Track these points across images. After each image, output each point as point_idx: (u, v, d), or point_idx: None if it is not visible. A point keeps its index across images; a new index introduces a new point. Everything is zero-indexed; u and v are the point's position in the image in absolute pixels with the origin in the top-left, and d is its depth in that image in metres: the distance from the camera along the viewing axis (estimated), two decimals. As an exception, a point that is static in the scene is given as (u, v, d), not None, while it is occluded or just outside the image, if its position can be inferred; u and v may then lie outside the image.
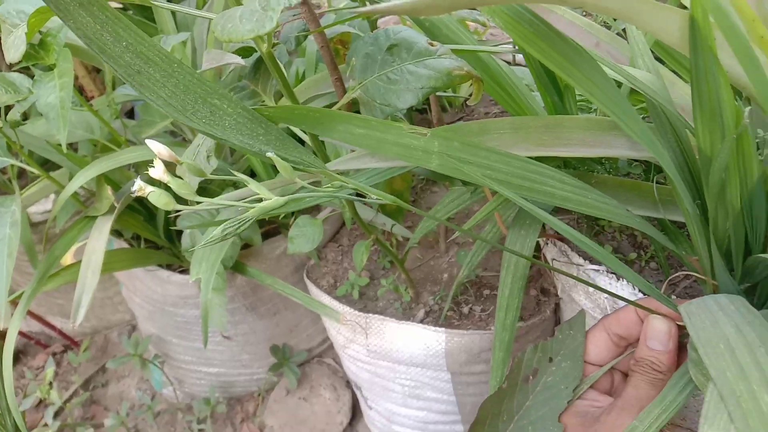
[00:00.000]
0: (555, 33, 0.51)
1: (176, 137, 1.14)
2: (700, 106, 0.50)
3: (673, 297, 0.72)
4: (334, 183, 0.43)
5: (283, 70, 0.64)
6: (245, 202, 0.40)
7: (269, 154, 0.41)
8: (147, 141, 0.40)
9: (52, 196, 1.21)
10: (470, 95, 0.74)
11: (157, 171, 0.39)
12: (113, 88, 1.07)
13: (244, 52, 0.74)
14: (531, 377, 0.58)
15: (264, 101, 0.72)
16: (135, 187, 0.39)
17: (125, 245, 1.11)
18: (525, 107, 0.74)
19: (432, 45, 0.59)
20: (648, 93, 0.56)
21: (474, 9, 0.80)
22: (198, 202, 0.40)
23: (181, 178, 0.40)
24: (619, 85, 0.65)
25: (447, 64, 0.57)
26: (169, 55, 0.45)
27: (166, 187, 0.40)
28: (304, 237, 0.76)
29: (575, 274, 0.80)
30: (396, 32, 0.60)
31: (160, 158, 0.39)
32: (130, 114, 1.45)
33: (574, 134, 0.64)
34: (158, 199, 0.39)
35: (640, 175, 0.81)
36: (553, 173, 0.56)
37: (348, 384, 1.26)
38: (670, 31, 0.46)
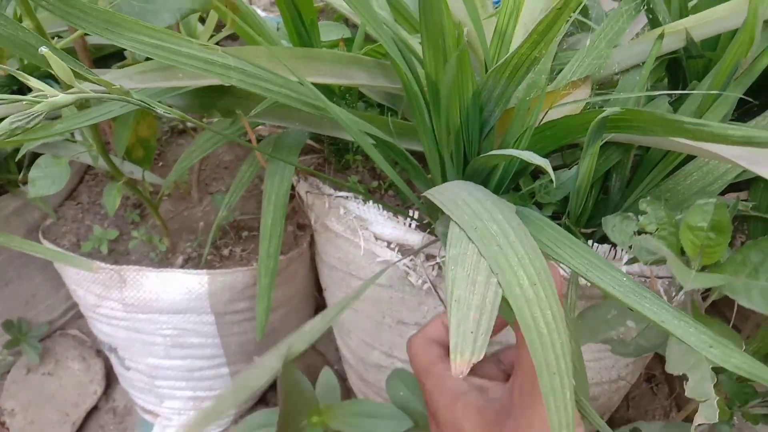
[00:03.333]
0: None
1: None
2: (427, 33, 0.59)
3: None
4: (118, 90, 0.42)
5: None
6: (32, 96, 0.38)
7: (42, 50, 0.39)
8: None
9: None
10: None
11: None
12: None
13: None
14: None
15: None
16: None
17: None
18: (266, 38, 0.78)
19: (185, -31, 0.60)
20: (389, 24, 0.64)
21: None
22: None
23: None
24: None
25: (204, -12, 0.59)
26: None
27: None
28: (47, 178, 0.70)
29: (327, 204, 0.88)
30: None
31: None
32: None
33: (323, 65, 0.70)
34: None
35: (378, 113, 0.91)
36: (326, 99, 0.61)
37: (99, 353, 1.18)
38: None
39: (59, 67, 0.42)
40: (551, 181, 0.75)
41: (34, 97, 0.41)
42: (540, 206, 0.76)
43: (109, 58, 1.14)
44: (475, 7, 0.62)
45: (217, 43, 0.75)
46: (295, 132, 0.83)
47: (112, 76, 0.57)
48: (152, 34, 0.51)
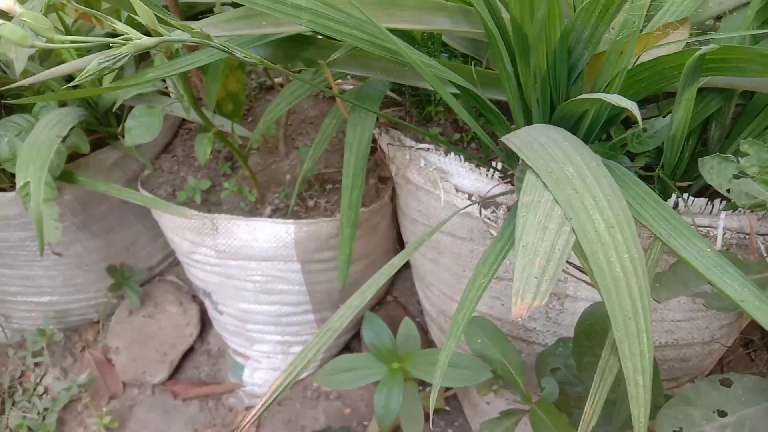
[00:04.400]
0: None
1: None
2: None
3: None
4: (199, 35, 0.44)
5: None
6: (118, 39, 0.39)
7: (128, -6, 0.41)
8: None
9: None
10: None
11: (5, 1, 0.37)
12: None
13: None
14: None
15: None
16: (-22, 21, 0.37)
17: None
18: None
19: None
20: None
21: None
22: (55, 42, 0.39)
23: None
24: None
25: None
26: None
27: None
28: (142, 127, 0.74)
29: (408, 156, 0.87)
30: None
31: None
32: None
33: (405, 12, 0.69)
34: (11, 33, 0.37)
35: (461, 62, 0.89)
36: (401, 42, 0.60)
37: (194, 298, 1.26)
38: None
39: (143, 11, 0.44)
40: (644, 129, 0.71)
41: (120, 39, 0.43)
42: (632, 157, 0.73)
43: (200, 15, 1.18)
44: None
45: None
46: (376, 83, 0.83)
47: (199, 24, 0.59)
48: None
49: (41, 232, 0.83)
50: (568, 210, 0.42)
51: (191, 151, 1.12)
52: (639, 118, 0.41)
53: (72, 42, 0.41)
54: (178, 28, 0.49)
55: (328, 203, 1.00)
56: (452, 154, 0.82)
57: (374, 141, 0.94)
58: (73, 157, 1.00)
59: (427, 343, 1.17)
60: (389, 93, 0.95)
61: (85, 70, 0.40)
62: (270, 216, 0.98)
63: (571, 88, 0.67)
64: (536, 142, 0.51)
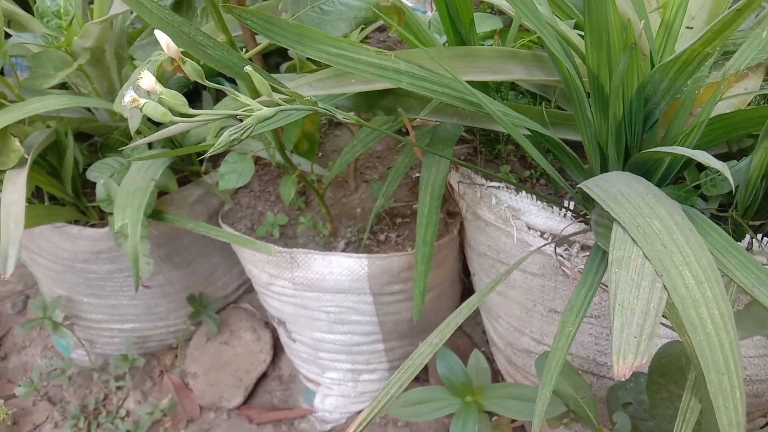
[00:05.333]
0: None
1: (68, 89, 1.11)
2: (591, 30, 0.60)
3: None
4: (308, 102, 0.48)
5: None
6: (242, 111, 0.44)
7: (247, 69, 0.45)
8: (156, 32, 0.42)
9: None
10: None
11: (148, 81, 0.41)
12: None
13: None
14: None
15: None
16: (127, 99, 0.42)
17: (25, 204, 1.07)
18: (428, 44, 0.82)
19: (357, -18, 0.65)
20: (550, 22, 0.65)
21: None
22: (188, 116, 0.44)
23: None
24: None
25: (374, -3, 0.63)
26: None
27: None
28: (235, 173, 0.79)
29: (479, 193, 0.90)
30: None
31: (168, 52, 0.42)
32: None
33: (482, 62, 0.73)
34: (154, 110, 0.42)
35: (530, 102, 0.92)
36: (482, 95, 0.64)
37: (267, 324, 1.31)
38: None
39: (260, 83, 0.49)
40: (718, 173, 0.72)
41: (243, 111, 0.48)
42: (705, 198, 0.74)
43: (270, 55, 1.24)
44: (641, 1, 0.61)
45: (365, 38, 0.78)
46: (450, 125, 0.86)
47: (295, 84, 0.64)
48: (335, 44, 0.57)
49: (137, 269, 0.89)
50: (659, 266, 0.44)
51: (267, 186, 1.18)
52: (731, 179, 0.43)
53: (204, 116, 0.46)
54: (284, 93, 0.54)
55: (399, 237, 1.04)
56: (524, 192, 0.85)
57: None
58: (160, 193, 1.07)
59: (493, 372, 1.18)
60: (460, 132, 0.98)
61: (218, 142, 0.45)
62: (343, 250, 1.02)
63: (646, 133, 0.69)
64: (619, 193, 0.53)
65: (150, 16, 0.47)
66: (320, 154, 1.24)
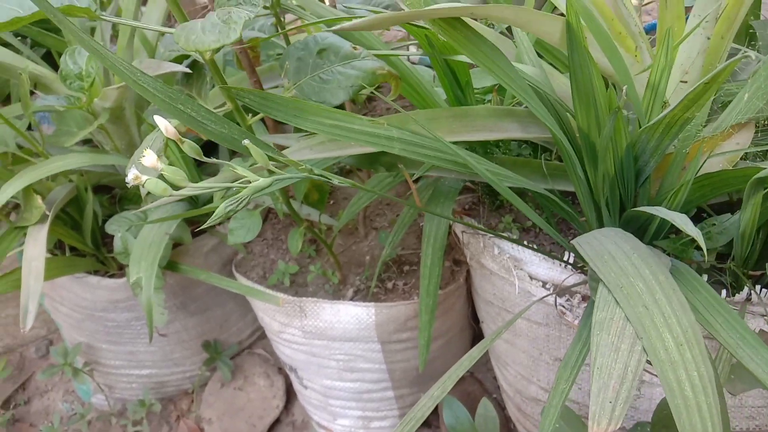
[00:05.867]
0: (478, 36, 0.61)
1: (93, 145, 1.16)
2: (578, 93, 0.63)
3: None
4: (302, 168, 0.51)
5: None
6: (238, 183, 0.47)
7: (245, 142, 0.48)
8: (155, 117, 0.46)
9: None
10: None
11: (150, 159, 0.45)
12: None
13: (179, 59, 0.80)
14: None
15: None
16: (130, 177, 0.45)
17: (48, 255, 1.11)
18: (429, 100, 0.85)
19: (355, 49, 0.68)
20: (536, 84, 0.68)
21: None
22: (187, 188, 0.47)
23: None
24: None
25: (371, 64, 0.67)
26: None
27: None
28: (243, 228, 0.83)
29: (482, 243, 0.92)
30: (323, 38, 0.69)
31: (166, 134, 0.45)
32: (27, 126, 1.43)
33: (478, 121, 0.75)
34: (155, 186, 0.45)
35: (530, 154, 0.94)
36: (478, 158, 0.66)
37: (280, 370, 1.33)
38: (552, 34, 0.59)
39: (258, 154, 0.52)
40: (714, 224, 0.73)
41: (240, 183, 0.51)
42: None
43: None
44: (623, 64, 0.64)
45: (378, 87, 0.81)
46: (451, 179, 0.89)
47: (298, 146, 0.67)
48: (329, 115, 0.60)
49: (150, 319, 0.92)
50: (639, 329, 0.46)
51: (279, 234, 1.21)
52: (704, 245, 0.45)
53: (202, 188, 0.49)
54: (284, 162, 0.57)
55: (406, 285, 1.05)
56: (525, 242, 0.86)
57: (449, 226, 0.99)
58: (175, 245, 1.10)
59: (505, 418, 1.18)
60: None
61: (214, 215, 0.47)
62: (352, 298, 1.04)
63: (639, 189, 0.70)
64: (606, 252, 0.55)
65: (153, 97, 0.50)
66: (332, 202, 1.27)
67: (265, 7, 0.91)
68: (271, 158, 0.57)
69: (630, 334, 0.46)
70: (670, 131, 0.58)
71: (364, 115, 1.47)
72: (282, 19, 0.89)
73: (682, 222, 0.48)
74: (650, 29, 1.10)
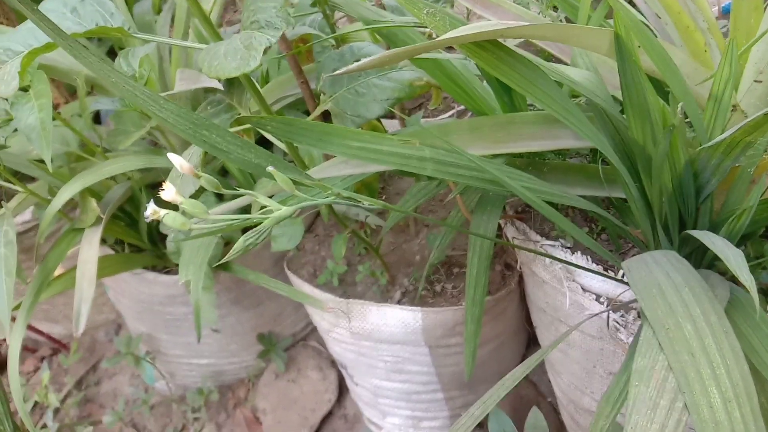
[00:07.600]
0: (511, 55, 0.57)
1: (153, 144, 1.19)
2: (631, 106, 0.58)
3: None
4: (329, 192, 0.49)
5: (257, 86, 0.70)
6: (259, 214, 0.46)
7: (269, 169, 0.47)
8: (169, 155, 0.45)
9: (30, 207, 1.24)
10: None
11: (169, 193, 0.44)
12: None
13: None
14: None
15: (240, 113, 0.77)
16: (148, 212, 0.45)
17: (110, 251, 1.15)
18: (481, 103, 0.81)
19: (393, 59, 0.65)
20: (587, 93, 0.63)
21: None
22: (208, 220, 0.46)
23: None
24: (561, 85, 0.72)
25: (408, 75, 0.64)
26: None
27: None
28: (285, 236, 0.82)
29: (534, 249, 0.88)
30: (359, 48, 0.66)
31: (182, 171, 0.44)
32: (95, 119, 1.48)
33: (525, 129, 0.71)
34: (174, 220, 0.44)
35: (586, 156, 0.89)
36: (519, 174, 0.63)
37: (333, 363, 1.34)
38: (599, 46, 0.54)
39: (283, 180, 0.51)
40: (785, 242, 0.67)
41: (261, 213, 0.50)
42: (771, 271, 0.69)
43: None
44: (681, 80, 0.58)
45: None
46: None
47: (334, 162, 0.65)
48: (356, 137, 0.57)
49: (198, 318, 0.93)
50: (683, 381, 0.42)
51: (331, 230, 1.20)
52: (754, 292, 0.40)
53: (222, 220, 0.48)
54: (311, 186, 0.55)
55: (455, 289, 1.03)
56: (579, 252, 0.82)
57: (500, 229, 0.96)
58: (226, 242, 1.11)
59: (559, 423, 1.15)
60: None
61: (234, 248, 0.47)
62: (400, 300, 1.03)
63: (701, 205, 0.65)
64: (655, 285, 0.50)
65: (175, 128, 0.49)
66: (384, 197, 1.25)
67: (312, 5, 0.90)
68: (296, 183, 0.55)
69: (672, 387, 0.42)
70: (731, 153, 0.52)
71: (419, 107, 1.43)
72: (331, 14, 0.87)
73: (736, 264, 0.43)
74: (728, 11, 1.01)
